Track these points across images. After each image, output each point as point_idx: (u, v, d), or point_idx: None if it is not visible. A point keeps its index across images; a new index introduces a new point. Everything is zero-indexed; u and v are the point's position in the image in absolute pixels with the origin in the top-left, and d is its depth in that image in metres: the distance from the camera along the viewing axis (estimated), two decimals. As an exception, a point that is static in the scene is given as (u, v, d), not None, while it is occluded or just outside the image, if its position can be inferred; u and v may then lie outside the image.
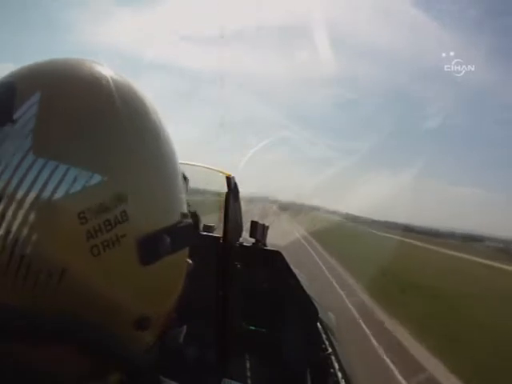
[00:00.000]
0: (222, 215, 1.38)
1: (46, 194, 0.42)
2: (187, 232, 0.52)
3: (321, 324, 1.45)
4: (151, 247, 0.46)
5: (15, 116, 0.43)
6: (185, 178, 0.54)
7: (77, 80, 0.48)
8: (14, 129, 0.43)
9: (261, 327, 1.49)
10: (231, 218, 1.38)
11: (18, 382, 0.45)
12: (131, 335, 0.48)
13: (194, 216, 0.55)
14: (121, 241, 0.44)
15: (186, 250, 0.53)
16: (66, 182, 0.42)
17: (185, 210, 0.53)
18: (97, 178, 0.43)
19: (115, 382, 0.50)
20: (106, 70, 0.50)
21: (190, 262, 0.55)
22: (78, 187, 0.42)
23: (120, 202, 0.44)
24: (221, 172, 1.40)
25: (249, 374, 1.32)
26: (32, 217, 0.41)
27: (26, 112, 0.43)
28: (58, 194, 0.42)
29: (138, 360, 0.49)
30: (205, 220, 1.59)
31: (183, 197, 0.53)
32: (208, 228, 1.58)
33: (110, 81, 0.48)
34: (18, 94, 0.44)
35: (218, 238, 1.44)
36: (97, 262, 0.43)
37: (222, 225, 1.40)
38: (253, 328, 1.48)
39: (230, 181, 1.36)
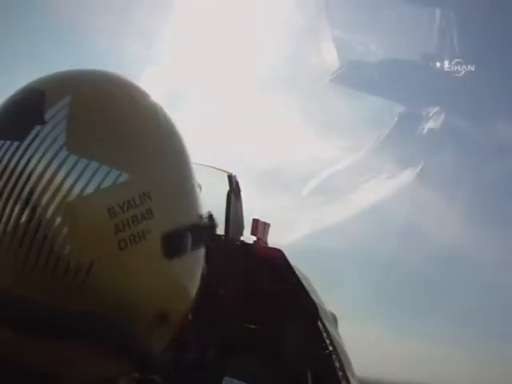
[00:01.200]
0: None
1: (78, 188, 0.44)
2: (207, 232, 0.55)
3: (321, 323, 1.46)
4: (174, 243, 0.49)
5: (46, 117, 0.46)
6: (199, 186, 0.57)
7: (104, 85, 0.52)
8: (45, 129, 0.45)
9: (261, 326, 1.49)
10: (233, 216, 1.38)
11: (27, 380, 0.46)
12: (151, 331, 0.50)
13: (211, 218, 0.57)
14: (146, 236, 0.47)
15: (203, 251, 0.56)
16: (97, 179, 0.45)
17: (202, 212, 0.56)
18: (124, 177, 0.46)
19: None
20: (128, 80, 0.55)
21: (205, 265, 0.57)
22: (107, 184, 0.45)
23: (145, 200, 0.47)
24: (222, 170, 1.40)
25: (248, 373, 1.32)
26: (63, 211, 0.44)
27: (57, 113, 0.46)
28: (89, 189, 0.45)
29: (155, 358, 0.51)
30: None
31: (199, 199, 0.56)
32: None
33: (134, 89, 0.53)
34: (48, 98, 0.47)
35: (220, 236, 1.44)
36: (124, 255, 0.46)
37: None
38: (253, 327, 1.48)
39: (231, 179, 1.37)
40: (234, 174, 1.38)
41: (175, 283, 0.52)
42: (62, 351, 0.46)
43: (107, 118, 0.49)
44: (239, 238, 1.51)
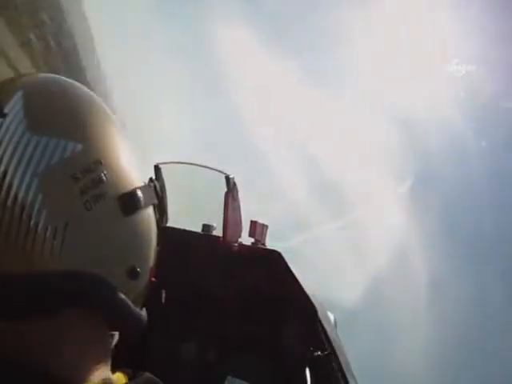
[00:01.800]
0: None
1: (44, 162, 0.52)
2: (153, 191, 0.64)
3: (320, 324, 1.45)
4: (129, 201, 0.58)
5: (6, 110, 0.53)
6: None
7: (47, 79, 0.63)
8: (7, 120, 0.53)
9: (259, 327, 1.49)
10: (230, 218, 1.38)
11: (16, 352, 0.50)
12: (124, 287, 0.56)
13: (151, 180, 0.67)
14: (105, 196, 0.55)
15: (152, 211, 0.64)
16: (58, 152, 0.53)
17: (140, 176, 0.64)
18: (79, 147, 0.55)
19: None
20: (73, 81, 0.64)
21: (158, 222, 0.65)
22: (67, 154, 0.53)
23: (99, 166, 0.56)
24: (219, 171, 1.40)
25: (248, 374, 1.32)
26: (34, 184, 0.51)
27: (14, 106, 0.54)
28: (54, 161, 0.52)
29: (133, 311, 0.57)
30: (204, 220, 1.60)
31: (138, 166, 0.65)
32: (207, 228, 1.59)
33: (70, 82, 0.63)
34: (3, 96, 0.55)
35: (218, 237, 1.45)
36: (91, 215, 0.53)
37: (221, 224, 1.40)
38: (251, 327, 1.48)
39: (228, 180, 1.37)
40: (231, 176, 1.38)
41: (137, 238, 0.59)
42: (56, 327, 0.52)
43: (56, 102, 0.58)
44: (237, 238, 1.51)
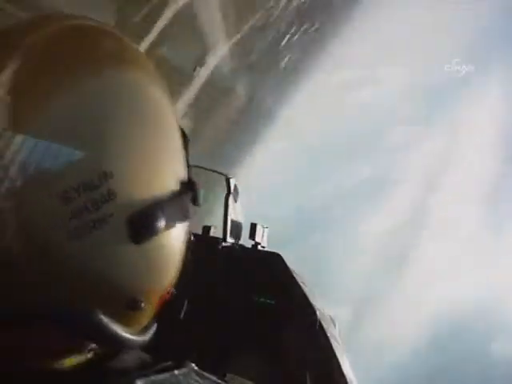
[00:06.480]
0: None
1: (25, 172, 0.38)
2: (183, 206, 0.49)
3: (320, 326, 1.45)
4: (142, 225, 0.44)
5: None
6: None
7: (58, 46, 0.43)
8: None
9: (259, 329, 1.49)
10: (231, 220, 1.38)
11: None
12: (121, 316, 0.46)
13: (193, 185, 0.50)
14: (108, 220, 0.41)
15: (184, 225, 0.50)
16: (47, 160, 0.38)
17: (184, 178, 0.49)
18: (80, 155, 0.40)
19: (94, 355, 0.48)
20: (93, 28, 0.46)
21: (192, 237, 0.52)
22: (59, 164, 0.39)
23: (106, 180, 0.41)
24: (220, 173, 1.41)
25: (248, 374, 1.32)
26: (12, 198, 0.38)
27: (2, 85, 0.39)
28: (38, 173, 0.38)
29: (126, 341, 0.47)
30: (204, 221, 1.60)
31: (182, 168, 0.50)
32: (207, 229, 1.59)
33: (100, 54, 0.45)
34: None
35: (218, 239, 1.45)
36: (83, 242, 0.41)
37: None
38: (251, 329, 1.48)
39: (229, 182, 1.37)
40: (232, 177, 1.38)
41: (147, 268, 0.46)
42: (23, 339, 0.43)
43: (59, 88, 0.41)
44: (237, 241, 1.51)
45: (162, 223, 0.45)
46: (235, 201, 1.41)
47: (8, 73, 0.40)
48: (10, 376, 0.43)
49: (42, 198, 0.39)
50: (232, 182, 1.38)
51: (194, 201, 0.51)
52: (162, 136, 0.47)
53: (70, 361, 0.46)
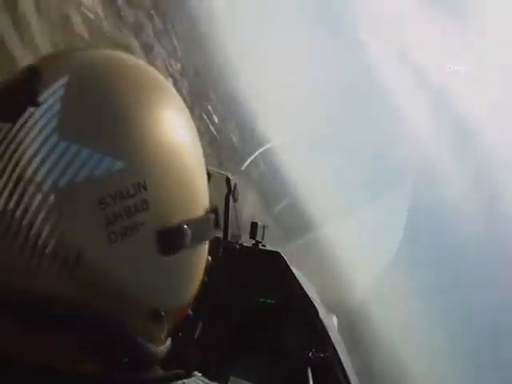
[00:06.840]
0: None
1: (67, 177, 0.41)
2: (209, 226, 0.52)
3: (321, 324, 1.46)
4: (171, 238, 0.46)
5: (40, 99, 0.43)
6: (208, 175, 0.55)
7: (107, 67, 0.48)
8: (38, 111, 0.42)
9: (260, 328, 1.50)
10: (231, 219, 1.39)
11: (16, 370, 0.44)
12: (143, 326, 0.47)
13: (215, 211, 0.53)
14: (139, 229, 0.44)
15: (206, 247, 0.53)
16: (88, 167, 0.42)
17: (206, 203, 0.52)
18: (119, 165, 0.43)
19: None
20: (133, 59, 0.51)
21: (210, 259, 0.54)
22: (99, 173, 0.42)
23: (140, 191, 0.44)
24: (220, 173, 1.41)
25: (249, 374, 1.32)
26: (51, 200, 0.41)
27: (52, 95, 0.43)
28: (79, 178, 0.42)
29: (148, 350, 0.48)
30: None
31: (207, 191, 0.53)
32: None
33: (140, 73, 0.49)
34: (44, 78, 0.44)
35: (218, 238, 1.45)
36: (114, 248, 0.43)
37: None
38: (252, 328, 1.48)
39: (229, 182, 1.38)
40: (232, 177, 1.39)
41: (171, 280, 0.48)
42: (48, 342, 0.44)
43: (104, 102, 0.45)
44: (238, 240, 1.51)
45: (188, 239, 0.47)
46: (235, 200, 1.41)
47: (60, 84, 0.44)
48: (25, 375, 0.44)
49: (81, 201, 0.42)
50: (232, 182, 1.38)
51: (216, 223, 0.54)
52: (196, 160, 0.51)
53: (84, 367, 0.47)
